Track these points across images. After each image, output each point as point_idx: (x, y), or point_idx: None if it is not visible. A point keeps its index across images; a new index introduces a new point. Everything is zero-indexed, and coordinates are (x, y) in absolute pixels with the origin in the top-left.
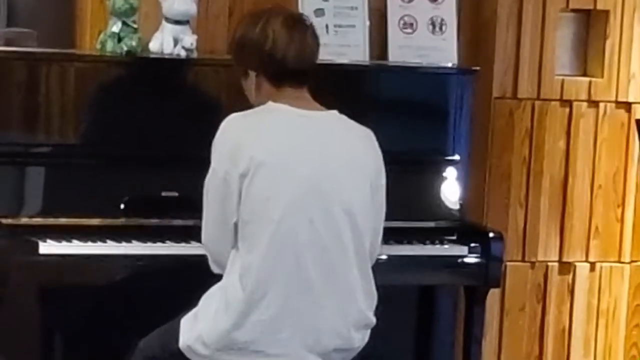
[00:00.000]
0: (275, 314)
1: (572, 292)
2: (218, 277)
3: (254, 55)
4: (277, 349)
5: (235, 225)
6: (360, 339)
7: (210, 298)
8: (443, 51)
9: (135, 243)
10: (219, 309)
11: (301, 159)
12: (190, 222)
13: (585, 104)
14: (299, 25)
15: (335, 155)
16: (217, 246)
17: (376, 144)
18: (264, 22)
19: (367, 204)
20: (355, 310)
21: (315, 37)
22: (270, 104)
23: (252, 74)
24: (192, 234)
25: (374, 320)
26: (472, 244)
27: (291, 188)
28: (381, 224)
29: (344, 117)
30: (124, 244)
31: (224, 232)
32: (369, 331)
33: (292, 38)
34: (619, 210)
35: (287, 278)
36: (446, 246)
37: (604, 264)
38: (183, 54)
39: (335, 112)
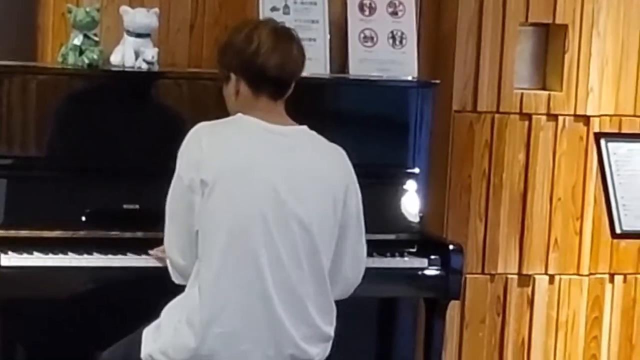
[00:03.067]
0: (236, 326)
1: (531, 304)
2: (180, 289)
3: (236, 58)
4: None
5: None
6: (319, 352)
7: (172, 309)
8: (403, 64)
9: (96, 255)
10: (181, 321)
11: (262, 173)
12: (151, 235)
13: (544, 117)
14: (285, 36)
15: (298, 171)
16: (182, 257)
17: (346, 162)
18: (250, 29)
19: (327, 221)
20: (306, 324)
21: (301, 51)
22: (240, 116)
23: (234, 77)
24: (154, 246)
25: (331, 334)
26: (432, 257)
27: (249, 201)
28: (349, 243)
29: (313, 134)
30: (85, 256)
31: (190, 241)
32: (329, 344)
33: (276, 47)
34: (578, 223)
35: (246, 290)
36: (406, 259)
37: (562, 277)
38: (144, 67)
39: (304, 128)
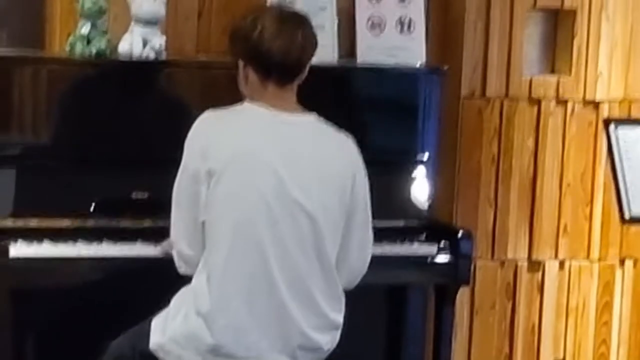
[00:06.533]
0: (243, 317)
1: (541, 289)
2: (188, 278)
3: (242, 45)
4: (246, 352)
5: (204, 224)
6: (328, 341)
7: (181, 299)
8: (411, 51)
9: (105, 244)
10: (189, 311)
11: (266, 162)
12: (160, 223)
13: (553, 102)
14: (291, 21)
15: (302, 160)
16: (189, 246)
17: (354, 150)
18: (256, 15)
19: (333, 209)
20: (314, 313)
21: (308, 36)
22: (246, 104)
23: (242, 63)
24: (163, 235)
25: (340, 322)
26: (442, 243)
27: (256, 190)
28: (356, 233)
29: (321, 122)
30: (94, 245)
31: (196, 231)
32: (338, 333)
33: (280, 32)
34: (588, 209)
35: (252, 280)
36: (416, 245)
37: (572, 262)
38: (152, 55)
39: (312, 116)
